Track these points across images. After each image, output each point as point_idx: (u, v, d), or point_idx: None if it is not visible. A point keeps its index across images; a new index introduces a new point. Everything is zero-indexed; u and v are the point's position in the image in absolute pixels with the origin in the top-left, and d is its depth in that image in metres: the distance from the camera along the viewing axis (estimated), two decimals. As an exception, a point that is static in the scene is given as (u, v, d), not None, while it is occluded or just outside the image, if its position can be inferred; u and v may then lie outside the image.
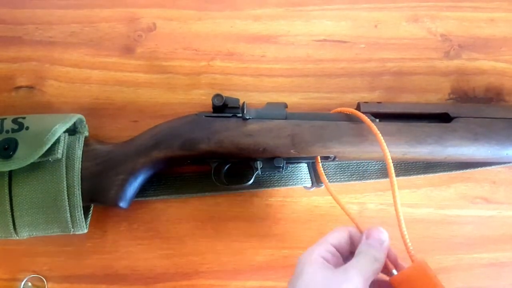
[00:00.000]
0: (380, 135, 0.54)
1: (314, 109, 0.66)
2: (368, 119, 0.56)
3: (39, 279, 0.61)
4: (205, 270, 0.62)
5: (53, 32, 0.68)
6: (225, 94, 0.59)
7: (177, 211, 0.63)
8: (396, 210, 0.51)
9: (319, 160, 0.59)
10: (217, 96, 0.58)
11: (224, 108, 0.58)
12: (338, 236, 0.49)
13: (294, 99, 0.67)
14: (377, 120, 0.58)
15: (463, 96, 0.67)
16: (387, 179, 0.62)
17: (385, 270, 0.49)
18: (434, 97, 0.67)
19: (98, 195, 0.56)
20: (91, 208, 0.59)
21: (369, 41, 0.69)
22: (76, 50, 0.68)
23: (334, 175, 0.59)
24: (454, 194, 0.64)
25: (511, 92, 0.67)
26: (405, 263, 0.49)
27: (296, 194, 0.64)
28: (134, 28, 0.69)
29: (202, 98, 0.66)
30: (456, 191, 0.64)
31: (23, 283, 0.60)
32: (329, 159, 0.59)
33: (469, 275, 0.62)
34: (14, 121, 0.56)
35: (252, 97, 0.66)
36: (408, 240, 0.51)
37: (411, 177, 0.64)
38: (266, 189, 0.63)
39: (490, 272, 0.62)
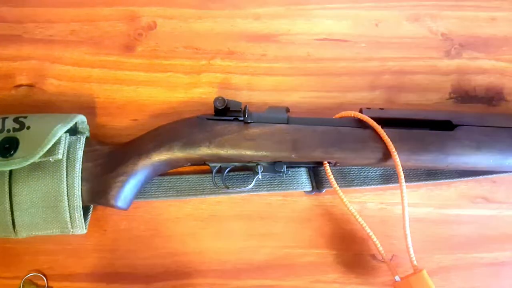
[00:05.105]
0: (389, 140, 0.55)
1: (314, 108, 0.66)
2: (376, 123, 0.56)
3: (39, 278, 0.61)
4: (205, 269, 0.62)
5: (53, 30, 0.68)
6: (225, 93, 0.59)
7: (177, 210, 0.63)
8: (403, 220, 0.55)
9: (327, 166, 0.59)
10: (219, 99, 0.57)
11: (226, 111, 0.58)
12: None
13: (294, 98, 0.66)
14: (379, 126, 0.58)
15: (463, 96, 0.67)
16: (388, 185, 0.63)
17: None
18: (434, 96, 0.67)
19: (98, 196, 0.56)
20: (91, 209, 0.59)
21: (370, 40, 0.69)
22: (76, 48, 0.67)
23: (335, 180, 0.59)
24: (454, 194, 0.64)
25: (512, 91, 0.68)
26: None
27: (296, 193, 0.64)
28: (134, 26, 0.69)
29: (202, 97, 0.66)
30: (456, 191, 0.64)
31: (23, 281, 0.60)
32: (330, 165, 0.59)
33: (469, 274, 0.62)
34: (16, 120, 0.56)
35: (253, 96, 0.66)
36: (412, 253, 0.55)
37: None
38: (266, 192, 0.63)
39: (490, 272, 0.62)
